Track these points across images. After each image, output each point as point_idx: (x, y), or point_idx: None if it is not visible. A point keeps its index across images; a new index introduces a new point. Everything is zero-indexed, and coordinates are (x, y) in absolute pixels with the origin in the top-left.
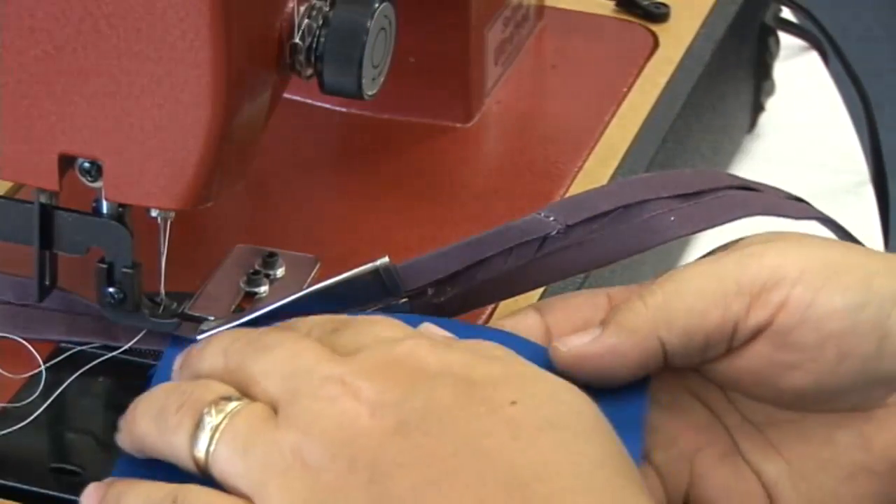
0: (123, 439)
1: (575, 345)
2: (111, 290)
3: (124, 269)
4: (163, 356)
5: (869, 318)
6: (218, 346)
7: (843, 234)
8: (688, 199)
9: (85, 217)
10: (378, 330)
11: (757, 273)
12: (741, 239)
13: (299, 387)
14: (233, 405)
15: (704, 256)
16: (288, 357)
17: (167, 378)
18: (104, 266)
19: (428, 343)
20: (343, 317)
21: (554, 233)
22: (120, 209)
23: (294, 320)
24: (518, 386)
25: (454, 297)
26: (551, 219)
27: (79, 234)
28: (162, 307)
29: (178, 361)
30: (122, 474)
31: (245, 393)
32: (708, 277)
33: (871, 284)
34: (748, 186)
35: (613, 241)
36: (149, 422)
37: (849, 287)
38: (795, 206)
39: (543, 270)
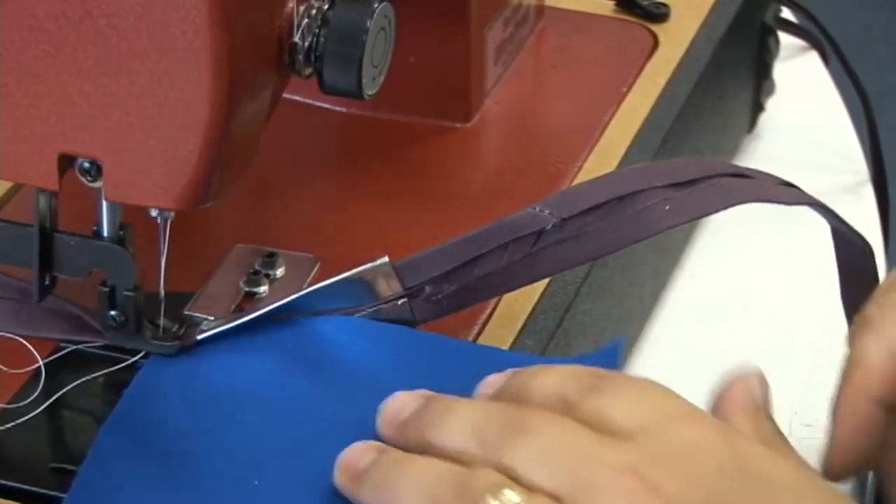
0: (363, 499)
1: None
2: (112, 313)
3: (126, 293)
4: (144, 368)
5: None
6: (466, 424)
7: (834, 219)
8: (681, 187)
9: (86, 240)
10: (651, 399)
11: None
12: None
13: (588, 477)
14: (512, 497)
15: None
16: (560, 443)
17: (145, 392)
18: (106, 290)
19: (714, 425)
20: (598, 371)
21: (549, 226)
22: (121, 232)
23: (539, 368)
24: (807, 487)
25: (452, 293)
26: (546, 213)
27: (80, 258)
28: (163, 329)
29: (384, 414)
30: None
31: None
32: None
33: None
34: (741, 173)
35: (609, 233)
36: None
37: None
38: (788, 192)
39: (540, 264)
